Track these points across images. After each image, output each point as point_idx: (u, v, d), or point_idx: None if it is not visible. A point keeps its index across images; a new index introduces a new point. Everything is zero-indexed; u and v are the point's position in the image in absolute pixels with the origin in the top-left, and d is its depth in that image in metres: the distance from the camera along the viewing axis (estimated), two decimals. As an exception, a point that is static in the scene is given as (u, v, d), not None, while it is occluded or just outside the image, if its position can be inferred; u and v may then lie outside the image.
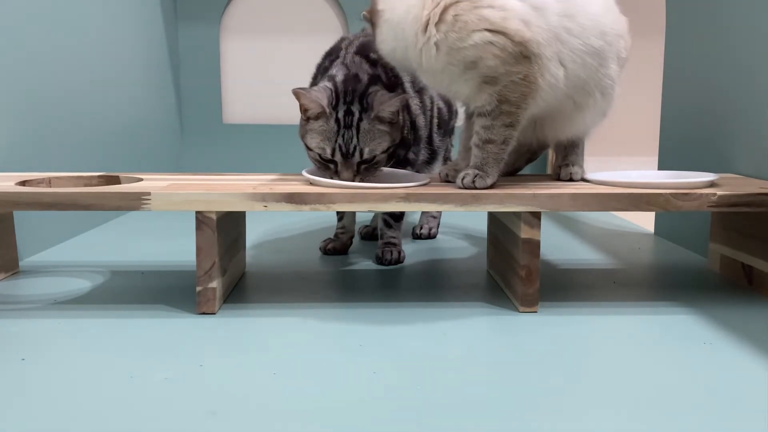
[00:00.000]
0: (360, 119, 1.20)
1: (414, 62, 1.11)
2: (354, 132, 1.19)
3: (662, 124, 1.73)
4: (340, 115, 1.20)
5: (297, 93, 1.19)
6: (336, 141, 1.20)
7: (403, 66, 1.18)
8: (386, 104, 1.20)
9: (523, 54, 1.05)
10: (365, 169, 1.22)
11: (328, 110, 1.19)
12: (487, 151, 1.11)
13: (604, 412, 0.76)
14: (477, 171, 1.12)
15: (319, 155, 1.21)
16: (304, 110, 1.22)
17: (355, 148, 1.20)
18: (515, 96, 1.07)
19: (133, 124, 2.11)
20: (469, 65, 1.07)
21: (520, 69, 1.06)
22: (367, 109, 1.20)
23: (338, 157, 1.20)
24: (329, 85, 1.23)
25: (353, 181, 1.19)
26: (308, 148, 1.24)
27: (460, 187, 1.12)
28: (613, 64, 1.16)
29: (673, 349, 0.96)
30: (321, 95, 1.20)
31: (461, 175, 1.13)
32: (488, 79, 1.07)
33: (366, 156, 1.21)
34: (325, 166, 1.22)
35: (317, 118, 1.21)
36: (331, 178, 1.20)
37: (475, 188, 1.11)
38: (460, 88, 1.10)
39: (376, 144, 1.21)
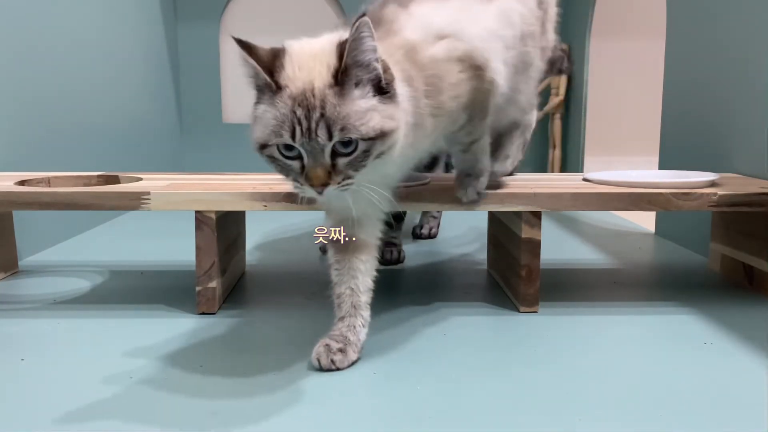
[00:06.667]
0: None
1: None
2: None
3: (662, 124, 1.73)
4: None
5: None
6: None
7: None
8: None
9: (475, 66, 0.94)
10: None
11: None
12: (473, 151, 1.03)
13: (604, 412, 0.76)
14: (467, 182, 1.04)
15: None
16: None
17: None
18: (481, 98, 0.97)
19: (133, 124, 2.11)
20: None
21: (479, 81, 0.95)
22: None
23: None
24: None
25: None
26: None
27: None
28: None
29: (673, 349, 0.96)
30: None
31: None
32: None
33: None
34: None
35: None
36: None
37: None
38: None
39: None
